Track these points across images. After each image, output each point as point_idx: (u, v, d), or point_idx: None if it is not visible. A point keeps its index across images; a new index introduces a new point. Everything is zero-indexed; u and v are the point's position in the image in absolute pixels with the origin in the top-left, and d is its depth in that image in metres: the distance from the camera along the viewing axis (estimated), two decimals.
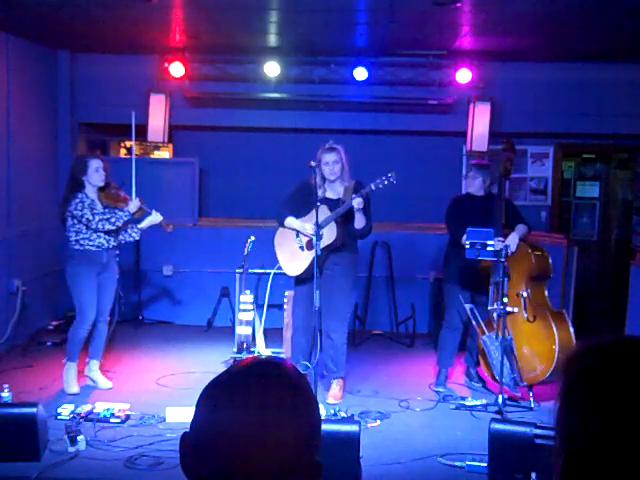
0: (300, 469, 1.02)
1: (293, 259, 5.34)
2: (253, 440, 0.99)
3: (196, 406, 1.06)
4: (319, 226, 5.02)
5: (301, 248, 5.31)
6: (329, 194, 5.28)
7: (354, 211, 5.07)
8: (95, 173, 5.32)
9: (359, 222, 5.16)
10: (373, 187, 5.02)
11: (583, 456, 1.00)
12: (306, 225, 5.21)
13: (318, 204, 4.92)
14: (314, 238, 4.84)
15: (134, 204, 5.39)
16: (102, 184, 5.38)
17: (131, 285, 7.54)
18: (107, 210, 5.36)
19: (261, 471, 0.99)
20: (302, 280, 5.34)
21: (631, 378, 1.00)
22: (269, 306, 6.61)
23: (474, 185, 5.65)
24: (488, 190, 5.66)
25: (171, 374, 5.91)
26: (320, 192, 5.19)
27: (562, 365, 1.07)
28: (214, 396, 1.05)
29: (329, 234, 5.12)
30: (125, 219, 5.35)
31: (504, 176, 5.41)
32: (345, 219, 5.17)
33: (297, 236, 5.33)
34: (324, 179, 5.24)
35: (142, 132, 7.40)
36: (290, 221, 5.29)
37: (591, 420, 1.00)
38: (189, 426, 1.06)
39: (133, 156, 5.70)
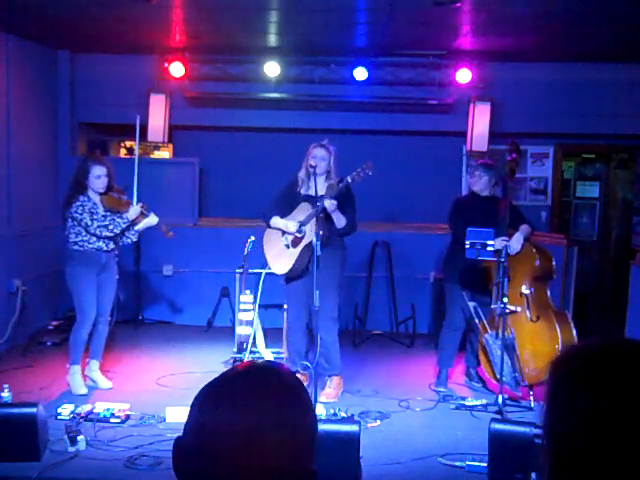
0: (296, 476, 1.01)
1: (280, 258, 5.37)
2: (250, 445, 0.99)
3: (191, 409, 1.05)
4: (302, 224, 5.04)
5: (286, 246, 5.34)
6: (312, 191, 5.21)
7: (330, 212, 5.07)
8: (96, 180, 5.29)
9: (338, 222, 5.16)
10: (350, 180, 5.05)
11: (570, 456, 1.01)
12: (289, 223, 5.25)
13: (318, 203, 4.93)
14: (314, 238, 4.84)
15: (134, 210, 5.34)
16: (103, 191, 5.35)
17: (131, 285, 7.53)
18: (108, 214, 5.32)
19: (257, 476, 0.99)
20: (292, 278, 5.38)
21: (617, 380, 1.01)
22: (269, 306, 6.61)
23: (479, 184, 5.61)
24: (492, 191, 5.65)
25: (171, 374, 5.91)
26: (304, 189, 5.20)
27: (550, 367, 1.08)
28: (210, 400, 1.04)
29: (311, 231, 5.12)
30: (123, 226, 5.32)
31: (509, 177, 5.42)
32: (328, 216, 5.16)
33: (282, 235, 5.36)
34: (309, 176, 5.24)
35: (142, 132, 7.36)
36: (275, 221, 5.34)
37: (578, 421, 1.01)
38: (182, 430, 1.05)
39: (136, 160, 5.61)
